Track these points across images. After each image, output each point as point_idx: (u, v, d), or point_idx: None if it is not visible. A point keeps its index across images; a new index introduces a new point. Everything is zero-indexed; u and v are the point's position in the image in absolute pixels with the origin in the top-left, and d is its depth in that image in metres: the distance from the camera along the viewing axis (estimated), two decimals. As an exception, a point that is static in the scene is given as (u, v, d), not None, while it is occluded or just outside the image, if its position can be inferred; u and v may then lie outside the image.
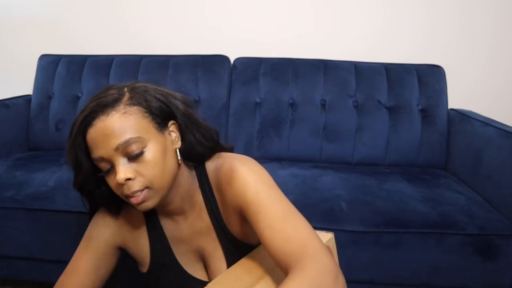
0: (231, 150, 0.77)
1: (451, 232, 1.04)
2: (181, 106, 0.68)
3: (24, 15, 1.87)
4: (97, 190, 0.69)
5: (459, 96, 1.62)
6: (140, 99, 0.64)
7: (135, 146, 0.60)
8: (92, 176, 0.65)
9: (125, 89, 0.64)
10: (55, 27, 1.86)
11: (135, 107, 0.62)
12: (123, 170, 0.60)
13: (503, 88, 1.71)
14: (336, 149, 1.52)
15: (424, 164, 1.50)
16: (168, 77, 1.61)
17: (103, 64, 1.67)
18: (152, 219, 0.75)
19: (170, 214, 0.74)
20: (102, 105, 0.61)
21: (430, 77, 1.54)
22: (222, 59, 1.64)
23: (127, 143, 0.60)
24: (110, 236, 0.75)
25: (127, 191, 0.61)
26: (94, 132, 0.60)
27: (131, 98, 0.63)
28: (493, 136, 1.23)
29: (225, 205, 0.70)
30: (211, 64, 1.62)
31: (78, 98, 1.65)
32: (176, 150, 0.67)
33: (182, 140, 0.68)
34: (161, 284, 0.70)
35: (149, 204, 0.63)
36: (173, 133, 0.67)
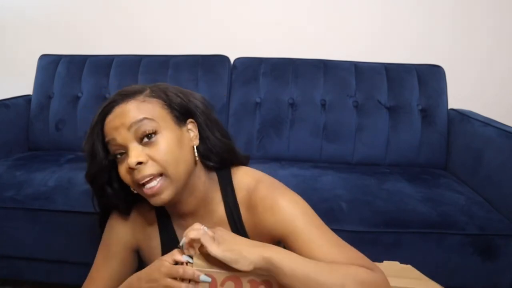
0: (247, 159, 0.78)
1: (451, 232, 1.04)
2: (200, 105, 0.70)
3: (24, 15, 1.87)
4: (108, 187, 0.69)
5: (459, 96, 1.62)
6: (160, 93, 0.66)
7: (149, 127, 0.61)
8: (105, 168, 0.65)
9: (147, 86, 0.68)
10: (55, 27, 1.86)
11: (155, 99, 0.65)
12: (135, 153, 0.60)
13: (503, 88, 1.71)
14: (336, 149, 1.52)
15: (424, 164, 1.50)
16: (168, 77, 1.60)
17: (103, 64, 1.67)
18: (164, 221, 0.74)
19: (183, 217, 0.72)
20: (123, 94, 0.64)
21: (430, 77, 1.54)
22: (222, 59, 1.64)
23: (141, 122, 0.60)
24: (127, 240, 0.74)
25: (137, 175, 0.60)
26: (112, 117, 0.62)
27: (152, 91, 0.66)
28: (493, 136, 1.23)
29: (257, 228, 0.68)
30: (211, 64, 1.62)
31: (78, 98, 1.65)
32: (193, 147, 0.67)
33: (201, 139, 0.69)
34: None
35: (164, 196, 0.61)
36: (191, 131, 0.68)
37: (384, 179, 1.29)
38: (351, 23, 1.72)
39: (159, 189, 0.61)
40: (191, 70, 1.61)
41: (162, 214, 0.74)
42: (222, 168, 0.73)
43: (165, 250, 0.73)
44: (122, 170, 0.62)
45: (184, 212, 0.71)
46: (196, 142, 0.67)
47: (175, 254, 0.60)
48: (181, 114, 0.66)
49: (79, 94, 1.65)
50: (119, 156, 0.63)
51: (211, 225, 0.70)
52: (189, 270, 0.57)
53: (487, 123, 1.30)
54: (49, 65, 1.71)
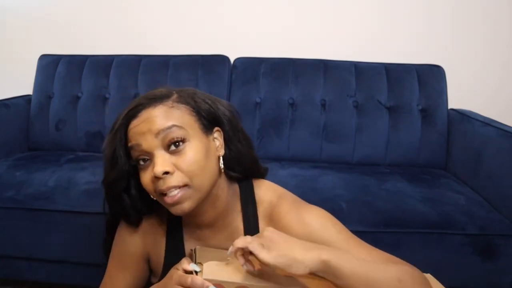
0: (266, 171, 0.76)
1: (451, 232, 1.04)
2: (228, 113, 0.67)
3: (24, 15, 1.87)
4: (125, 195, 0.66)
5: (459, 96, 1.62)
6: (189, 99, 0.63)
7: (177, 134, 0.58)
8: (125, 174, 0.63)
9: (173, 91, 0.64)
10: (55, 27, 1.86)
11: (183, 105, 0.62)
12: (161, 162, 0.57)
13: (503, 88, 1.71)
14: (336, 149, 1.52)
15: (424, 164, 1.50)
16: (168, 77, 1.60)
17: (103, 64, 1.67)
18: (175, 230, 0.72)
19: (200, 228, 0.70)
20: (150, 98, 0.61)
21: (430, 77, 1.54)
22: (222, 59, 1.64)
23: (170, 129, 0.58)
24: (138, 251, 0.72)
25: (162, 185, 0.57)
26: (138, 121, 0.59)
27: (180, 96, 0.63)
28: (493, 136, 1.23)
29: None
30: (211, 64, 1.62)
31: (78, 98, 1.65)
32: (219, 157, 0.65)
33: (227, 148, 0.66)
34: None
35: (185, 206, 0.59)
36: (216, 140, 0.65)
37: (384, 179, 1.29)
38: (351, 23, 1.72)
39: (180, 199, 0.58)
40: (191, 70, 1.61)
41: (174, 224, 0.72)
42: (244, 179, 0.71)
43: (168, 260, 0.71)
44: (146, 178, 0.59)
45: (203, 223, 0.68)
46: (222, 152, 0.65)
47: (183, 263, 0.58)
48: (209, 121, 0.64)
49: (79, 94, 1.65)
50: (142, 162, 0.60)
51: (226, 236, 0.69)
52: (198, 280, 0.55)
53: (487, 123, 1.30)
54: (49, 65, 1.70)
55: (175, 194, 0.58)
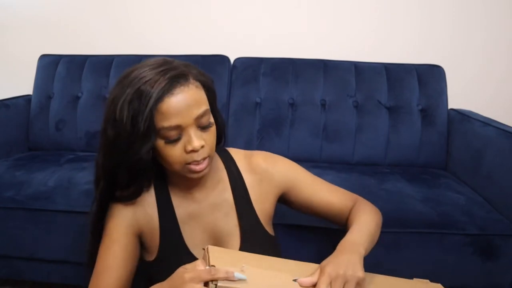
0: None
1: (451, 232, 1.04)
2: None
3: (24, 15, 1.87)
4: (138, 165, 0.67)
5: (459, 96, 1.62)
6: (199, 76, 0.69)
7: (207, 118, 0.67)
8: (144, 144, 0.64)
9: (180, 64, 0.68)
10: (55, 27, 1.86)
11: (199, 83, 0.68)
12: (198, 138, 0.65)
13: (503, 88, 1.71)
14: (336, 149, 1.52)
15: (424, 164, 1.50)
16: (168, 77, 1.60)
17: (103, 64, 1.67)
18: (163, 200, 0.75)
19: (190, 191, 0.75)
20: (180, 75, 0.64)
21: (430, 77, 1.54)
22: (222, 59, 1.64)
23: (204, 113, 0.65)
24: (128, 225, 0.73)
25: (197, 157, 0.65)
26: (176, 101, 0.62)
27: (194, 75, 0.67)
28: (493, 136, 1.23)
29: (262, 185, 0.79)
30: (211, 64, 1.62)
31: (78, 98, 1.65)
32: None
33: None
34: (167, 274, 0.65)
35: (206, 171, 0.69)
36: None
37: (384, 179, 1.29)
38: (351, 23, 1.72)
39: (206, 166, 0.67)
40: (191, 70, 1.61)
41: (162, 195, 0.76)
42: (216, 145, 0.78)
43: (163, 228, 0.74)
44: (176, 150, 0.65)
45: (198, 184, 0.75)
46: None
47: (199, 265, 0.58)
48: (210, 96, 0.70)
49: (79, 94, 1.65)
50: (173, 132, 0.63)
51: (216, 192, 0.77)
52: (221, 269, 0.55)
53: (487, 123, 1.30)
54: (49, 65, 1.71)
55: (204, 163, 0.67)
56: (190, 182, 0.74)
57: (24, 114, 1.67)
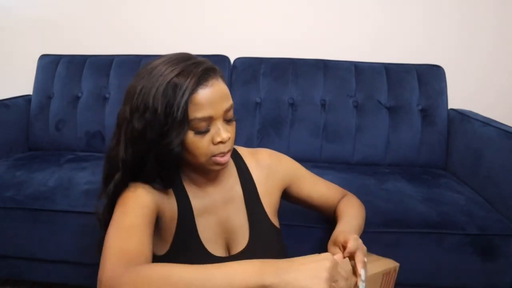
0: None
1: (451, 232, 1.04)
2: None
3: (24, 15, 1.87)
4: (168, 152, 0.65)
5: (459, 96, 1.62)
6: (221, 72, 0.71)
7: (232, 112, 0.70)
8: (178, 134, 0.63)
9: (204, 61, 0.69)
10: (55, 27, 1.86)
11: (223, 78, 0.70)
12: (225, 130, 0.67)
13: (503, 88, 1.71)
14: (336, 149, 1.52)
15: (424, 164, 1.50)
16: (168, 77, 1.60)
17: (103, 64, 1.67)
18: (180, 193, 0.75)
19: (202, 187, 0.76)
20: (210, 68, 0.67)
21: (430, 77, 1.54)
22: (222, 59, 1.64)
23: (231, 107, 0.68)
24: (151, 203, 0.68)
25: (223, 149, 0.68)
26: (211, 92, 0.65)
27: (218, 70, 0.70)
28: (493, 136, 1.23)
29: (269, 179, 0.83)
30: (211, 64, 1.62)
31: (78, 98, 1.65)
32: None
33: None
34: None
35: (226, 164, 0.71)
36: None
37: (384, 179, 1.29)
38: (351, 23, 1.72)
39: (228, 159, 0.70)
40: (191, 70, 1.61)
41: (178, 188, 0.75)
42: None
43: (181, 215, 0.73)
44: (204, 141, 0.66)
45: (210, 179, 0.77)
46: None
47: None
48: None
49: (79, 94, 1.65)
50: (203, 123, 0.65)
51: (227, 187, 0.79)
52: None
53: (487, 123, 1.30)
54: (49, 65, 1.71)
55: (228, 155, 0.70)
56: (206, 176, 0.76)
57: (24, 114, 1.68)
